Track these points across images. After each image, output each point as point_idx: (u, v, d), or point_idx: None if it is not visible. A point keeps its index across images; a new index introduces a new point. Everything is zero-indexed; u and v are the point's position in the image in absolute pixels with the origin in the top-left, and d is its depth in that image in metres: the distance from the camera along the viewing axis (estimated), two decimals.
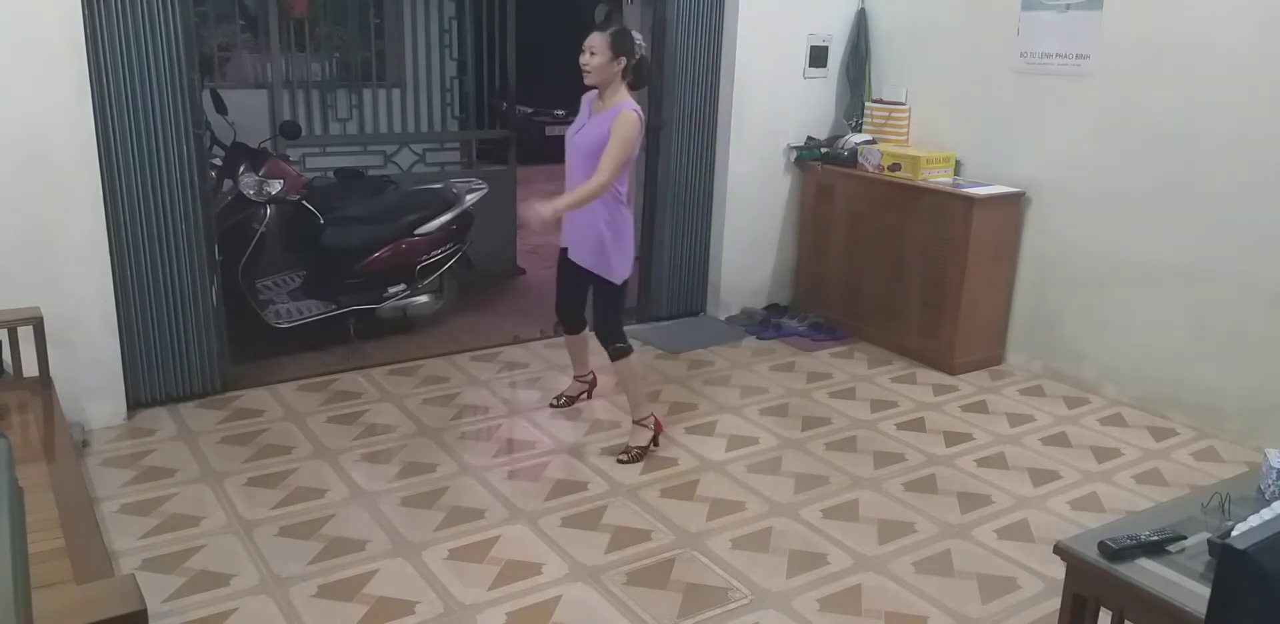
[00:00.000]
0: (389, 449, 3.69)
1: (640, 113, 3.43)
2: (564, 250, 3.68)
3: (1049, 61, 4.39)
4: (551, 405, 4.10)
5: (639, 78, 3.51)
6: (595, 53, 3.40)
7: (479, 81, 5.86)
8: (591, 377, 4.18)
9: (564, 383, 4.37)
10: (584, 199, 3.39)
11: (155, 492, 3.30)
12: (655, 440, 3.71)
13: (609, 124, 3.39)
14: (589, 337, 3.90)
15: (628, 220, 3.59)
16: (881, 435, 3.94)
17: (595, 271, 3.56)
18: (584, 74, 3.45)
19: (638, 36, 3.48)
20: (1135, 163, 4.13)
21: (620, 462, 3.62)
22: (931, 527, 3.23)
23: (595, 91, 3.54)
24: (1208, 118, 3.87)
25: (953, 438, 3.93)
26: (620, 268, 3.58)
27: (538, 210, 3.34)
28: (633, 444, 3.68)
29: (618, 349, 3.65)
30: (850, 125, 5.26)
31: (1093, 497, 3.47)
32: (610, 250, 3.54)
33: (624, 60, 3.42)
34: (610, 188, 3.41)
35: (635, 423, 3.73)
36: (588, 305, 3.79)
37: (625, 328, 3.72)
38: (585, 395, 4.16)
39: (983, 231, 4.45)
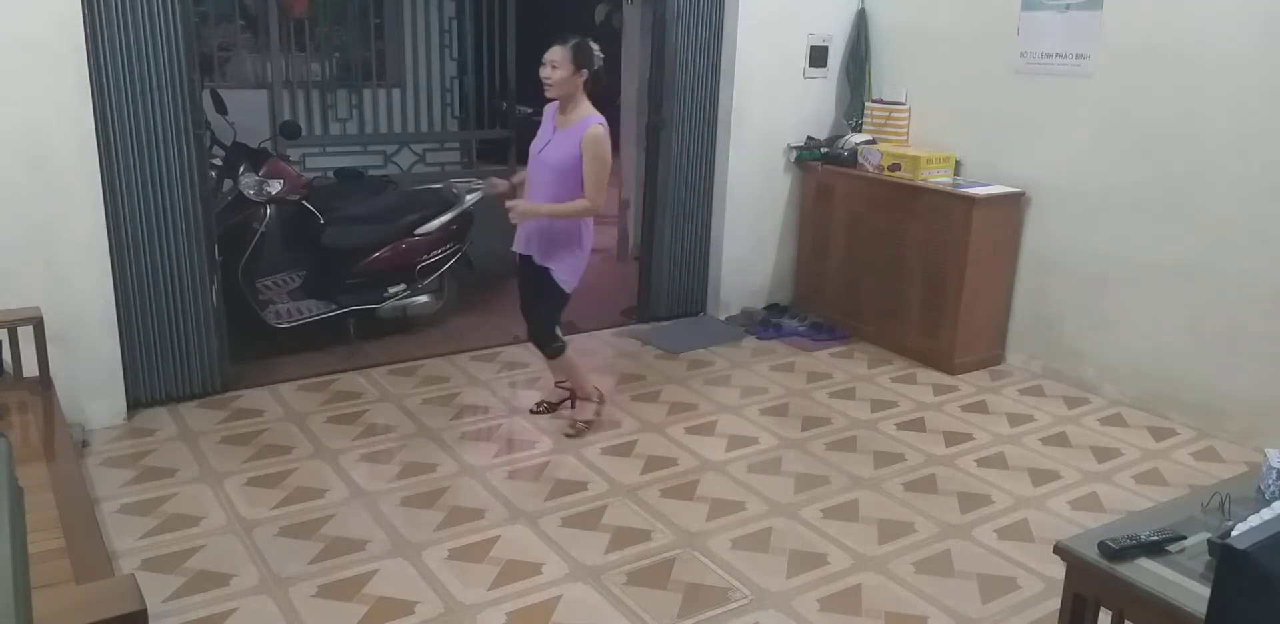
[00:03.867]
0: (389, 449, 3.69)
1: (605, 124, 3.47)
2: (524, 258, 3.70)
3: (1049, 61, 4.39)
4: (532, 411, 4.05)
5: (597, 89, 3.54)
6: (557, 66, 3.41)
7: (479, 81, 5.86)
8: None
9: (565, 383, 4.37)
10: (570, 214, 3.49)
11: (155, 492, 3.30)
12: (599, 411, 3.92)
13: (577, 140, 3.42)
14: (572, 358, 3.93)
15: (591, 233, 3.67)
16: (881, 435, 3.94)
17: (555, 275, 3.60)
18: (545, 88, 3.46)
19: (596, 48, 3.50)
20: (1135, 163, 4.13)
21: (568, 436, 3.79)
22: (931, 527, 3.23)
23: (556, 105, 3.56)
24: (1208, 118, 3.87)
25: (953, 438, 3.93)
26: (572, 277, 3.65)
27: (518, 206, 3.47)
28: (579, 417, 3.87)
29: (555, 348, 3.77)
30: (850, 125, 5.26)
31: (1093, 497, 3.47)
32: (573, 258, 3.61)
33: (585, 72, 3.45)
34: (600, 208, 3.52)
35: (581, 399, 3.90)
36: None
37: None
38: (569, 404, 4.02)
39: (983, 231, 4.45)
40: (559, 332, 3.77)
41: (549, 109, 3.63)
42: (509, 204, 3.50)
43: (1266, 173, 3.72)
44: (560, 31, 3.52)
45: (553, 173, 3.50)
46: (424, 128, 5.72)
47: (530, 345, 3.89)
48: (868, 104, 5.20)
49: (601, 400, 3.95)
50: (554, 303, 3.71)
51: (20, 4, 3.28)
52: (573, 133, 3.46)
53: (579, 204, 3.47)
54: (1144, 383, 4.23)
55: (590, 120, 3.45)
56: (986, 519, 3.29)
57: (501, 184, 3.82)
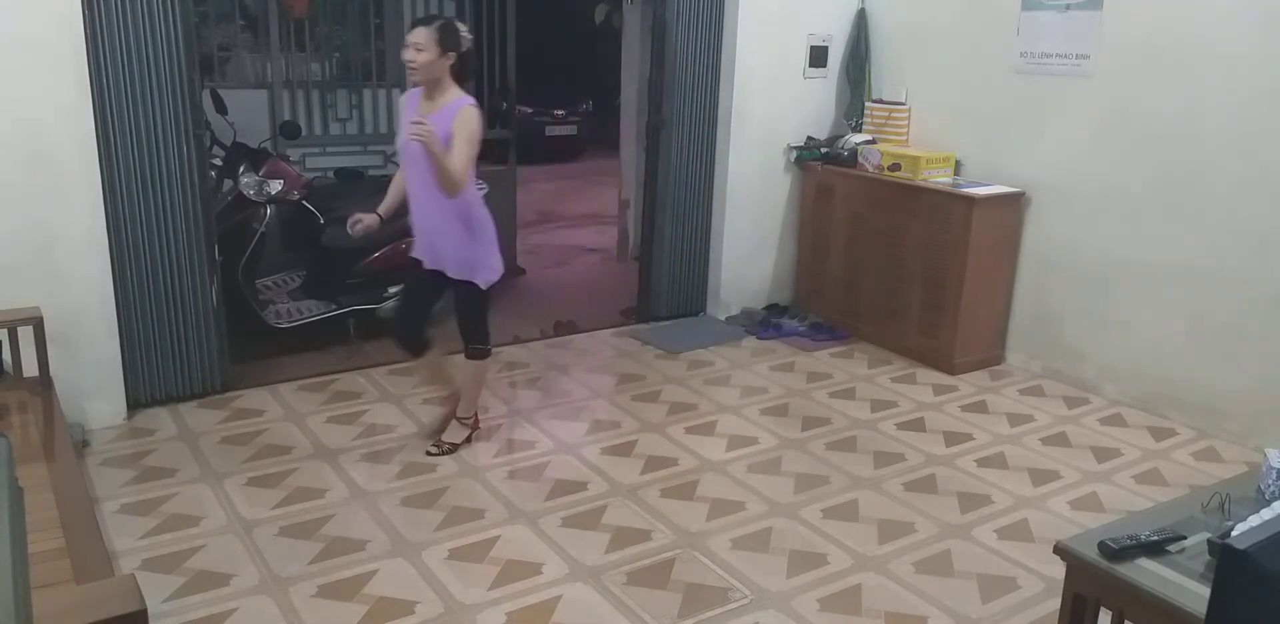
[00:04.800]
0: (389, 449, 3.69)
1: (477, 105, 3.26)
2: (418, 262, 3.49)
3: (1049, 61, 4.39)
4: (430, 453, 3.64)
5: (465, 72, 3.33)
6: (421, 49, 3.17)
7: (479, 81, 5.86)
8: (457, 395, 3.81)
9: (564, 383, 4.38)
10: (444, 169, 3.16)
11: (155, 492, 3.30)
12: (470, 438, 3.71)
13: (449, 123, 3.19)
14: (440, 355, 3.73)
15: (487, 219, 3.45)
16: (881, 435, 3.94)
17: (460, 277, 3.42)
18: (409, 72, 3.25)
19: (464, 29, 3.30)
20: (1135, 163, 4.13)
21: (429, 453, 3.62)
22: (931, 527, 3.23)
23: (419, 91, 3.34)
24: (1208, 118, 3.87)
25: (953, 438, 3.93)
26: (485, 271, 3.44)
27: (362, 219, 3.42)
28: (447, 439, 3.67)
29: (476, 349, 3.57)
30: (850, 125, 5.26)
31: (1093, 497, 3.47)
32: (473, 253, 3.40)
33: (452, 55, 3.23)
34: (464, 187, 3.25)
35: (458, 419, 3.70)
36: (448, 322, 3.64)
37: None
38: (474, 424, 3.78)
39: (983, 231, 4.45)
40: (487, 335, 3.58)
41: (409, 97, 3.40)
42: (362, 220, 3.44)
43: (1266, 173, 3.72)
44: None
45: (428, 161, 3.19)
46: None
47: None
48: (868, 104, 5.20)
49: (476, 427, 3.73)
50: (472, 301, 3.49)
51: (20, 4, 3.28)
52: (443, 116, 3.20)
53: (452, 184, 3.20)
54: (1144, 383, 4.23)
55: (462, 101, 3.23)
56: (986, 519, 3.29)
57: (369, 219, 3.49)
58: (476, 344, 3.58)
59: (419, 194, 3.37)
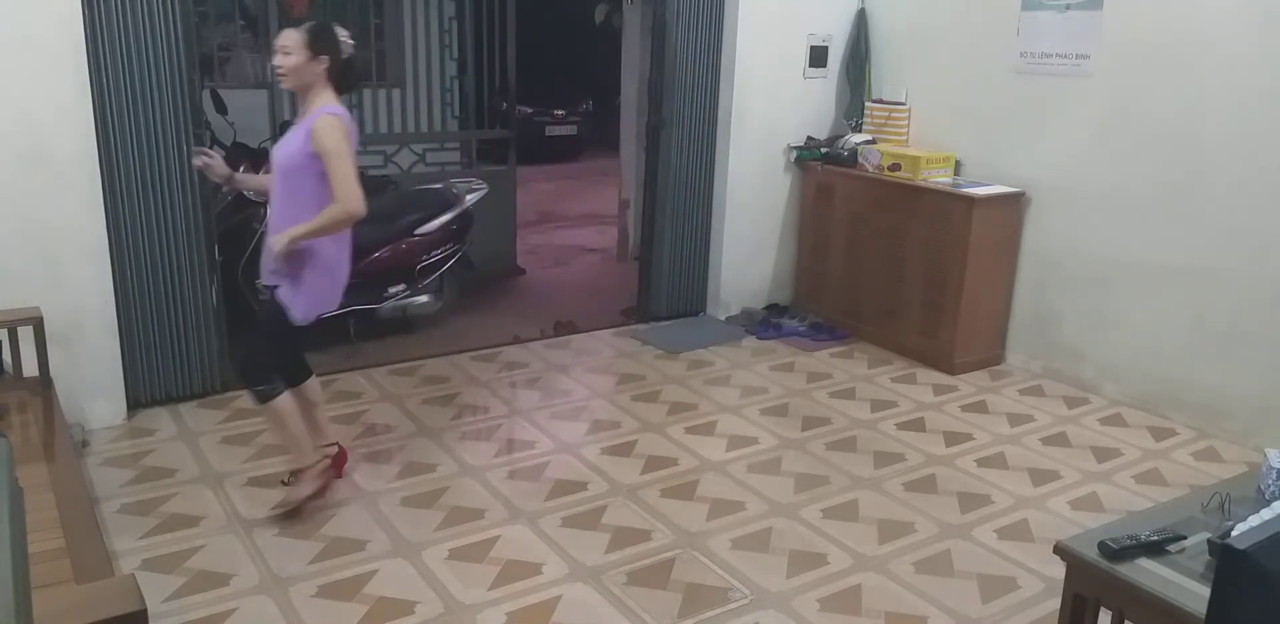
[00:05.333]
0: (389, 449, 3.69)
1: (341, 114, 2.90)
2: (270, 288, 3.08)
3: (1049, 61, 4.39)
4: (275, 512, 3.13)
5: (347, 79, 3.04)
6: (289, 52, 2.90)
7: (479, 81, 5.86)
8: (337, 448, 3.38)
9: (564, 383, 4.37)
10: (323, 227, 2.87)
11: (155, 492, 3.30)
12: (325, 484, 3.24)
13: (305, 134, 2.87)
14: (316, 392, 3.31)
15: (335, 254, 3.03)
16: (881, 435, 3.94)
17: (280, 295, 2.98)
18: (279, 78, 2.97)
19: (343, 33, 3.05)
20: (1135, 163, 4.13)
21: (274, 511, 3.14)
22: (931, 527, 3.23)
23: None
24: (1208, 118, 3.87)
25: (953, 438, 3.93)
26: (302, 303, 2.99)
27: (271, 246, 2.93)
28: (293, 496, 3.12)
29: (260, 392, 3.03)
30: (850, 125, 5.26)
31: (1093, 497, 3.47)
32: (314, 279, 3.00)
33: (325, 60, 2.94)
34: (354, 210, 2.86)
35: (296, 473, 3.19)
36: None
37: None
38: (336, 473, 3.36)
39: (983, 231, 4.45)
40: (267, 373, 3.04)
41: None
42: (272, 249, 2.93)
43: (1266, 173, 3.72)
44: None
45: (282, 174, 2.93)
46: (424, 128, 5.72)
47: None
48: (868, 104, 5.20)
49: (342, 461, 3.32)
50: (272, 328, 3.03)
51: (20, 3, 3.28)
52: (303, 126, 2.91)
53: (328, 212, 2.84)
54: (1144, 383, 4.23)
55: (323, 111, 2.88)
56: (986, 519, 3.29)
57: (218, 164, 3.11)
58: (254, 383, 3.04)
59: (276, 209, 3.00)
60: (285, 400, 3.08)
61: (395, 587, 2.79)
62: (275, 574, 2.84)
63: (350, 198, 2.84)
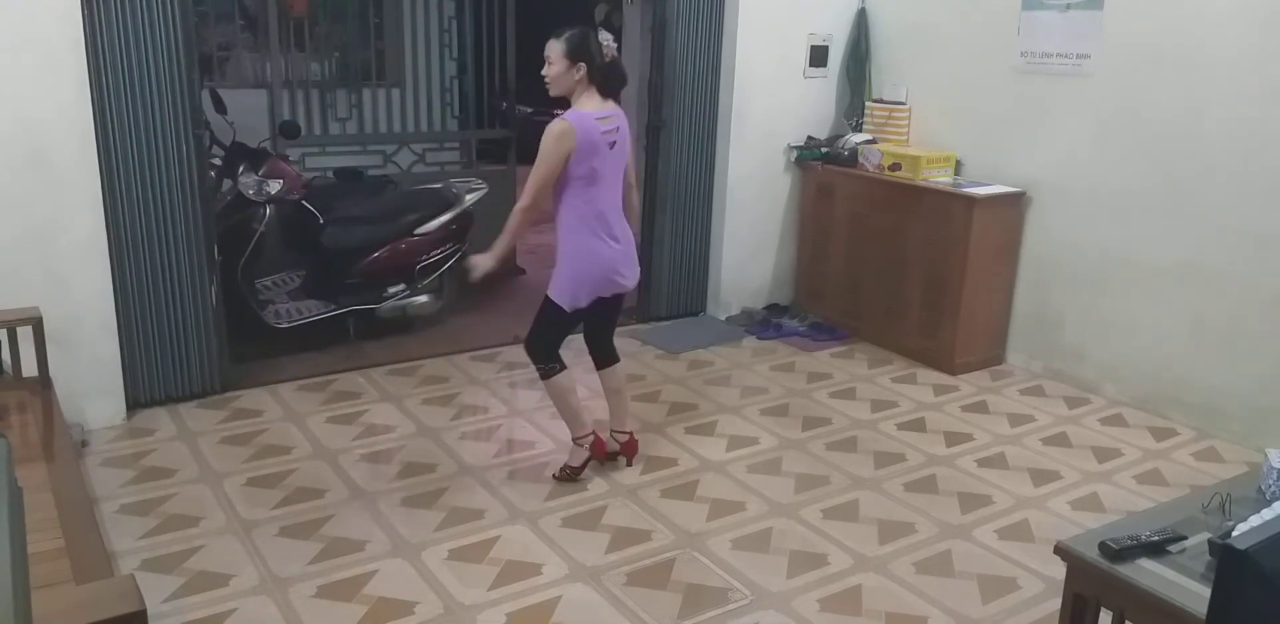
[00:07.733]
0: (389, 449, 3.68)
1: (573, 121, 3.09)
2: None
3: (1049, 61, 4.39)
4: (554, 479, 3.46)
5: (610, 82, 3.19)
6: (552, 62, 3.13)
7: (479, 81, 5.86)
8: (629, 436, 3.59)
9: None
10: (511, 229, 3.21)
11: (155, 492, 3.30)
12: (584, 461, 3.46)
13: None
14: (614, 377, 3.54)
15: (587, 248, 3.23)
16: (882, 435, 3.93)
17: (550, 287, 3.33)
18: (546, 86, 3.20)
19: (606, 37, 3.18)
20: (1135, 163, 4.13)
21: (555, 476, 3.46)
22: (932, 527, 3.23)
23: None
24: (1208, 118, 3.87)
25: (953, 438, 3.93)
26: (557, 287, 3.30)
27: (475, 262, 3.27)
28: (567, 463, 3.46)
29: (541, 369, 3.36)
30: (850, 125, 5.26)
31: (1093, 497, 3.47)
32: (562, 270, 3.29)
33: (583, 66, 3.12)
34: (537, 208, 3.16)
35: (576, 438, 3.46)
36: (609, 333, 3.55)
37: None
38: (626, 462, 3.60)
39: (983, 231, 4.45)
40: (550, 351, 3.35)
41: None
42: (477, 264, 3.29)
43: (1266, 173, 3.72)
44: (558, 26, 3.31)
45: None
46: (424, 127, 5.72)
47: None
48: (868, 104, 5.20)
49: (598, 448, 3.48)
50: (541, 314, 3.36)
51: (20, 4, 3.28)
52: None
53: (513, 214, 3.18)
54: (1144, 383, 4.23)
55: (564, 115, 3.13)
56: (987, 519, 3.29)
57: (484, 262, 3.34)
58: (537, 360, 3.40)
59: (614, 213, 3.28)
60: (563, 378, 3.36)
61: (395, 587, 2.79)
62: (275, 574, 2.83)
63: (527, 194, 3.12)
